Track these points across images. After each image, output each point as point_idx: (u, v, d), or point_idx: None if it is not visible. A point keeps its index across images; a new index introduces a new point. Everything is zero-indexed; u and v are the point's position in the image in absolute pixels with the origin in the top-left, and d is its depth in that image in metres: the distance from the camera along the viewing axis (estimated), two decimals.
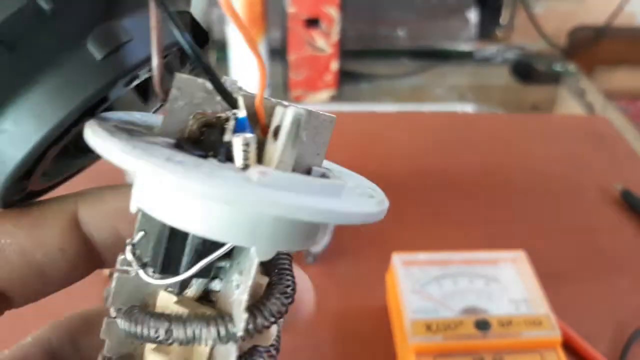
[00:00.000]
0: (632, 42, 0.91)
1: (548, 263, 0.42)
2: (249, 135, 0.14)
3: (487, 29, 0.89)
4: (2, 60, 0.14)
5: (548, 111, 0.81)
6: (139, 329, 0.15)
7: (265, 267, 0.16)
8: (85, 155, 0.19)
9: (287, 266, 0.16)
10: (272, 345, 0.16)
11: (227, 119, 0.15)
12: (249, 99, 0.15)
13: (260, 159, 0.15)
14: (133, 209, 0.16)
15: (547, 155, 0.62)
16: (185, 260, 0.16)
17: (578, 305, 0.42)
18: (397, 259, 0.40)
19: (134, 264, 0.16)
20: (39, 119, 0.15)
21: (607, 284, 0.45)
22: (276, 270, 0.16)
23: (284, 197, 0.13)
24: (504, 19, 0.90)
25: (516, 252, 0.41)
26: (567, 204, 0.54)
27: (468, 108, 0.78)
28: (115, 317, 0.16)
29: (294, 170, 0.15)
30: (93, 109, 0.15)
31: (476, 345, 0.35)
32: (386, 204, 0.16)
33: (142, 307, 0.16)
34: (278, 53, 0.78)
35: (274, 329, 0.16)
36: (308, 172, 0.16)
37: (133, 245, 0.16)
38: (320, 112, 0.16)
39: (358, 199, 0.16)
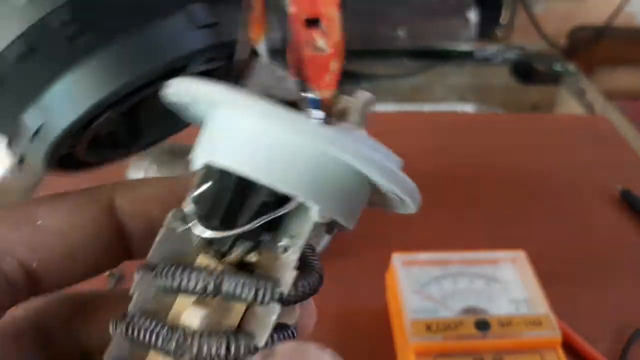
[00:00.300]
0: (632, 42, 0.91)
1: (548, 263, 0.42)
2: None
3: (487, 29, 0.89)
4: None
5: (548, 111, 0.81)
6: (183, 282, 0.16)
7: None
8: (122, 149, 0.21)
9: (316, 259, 0.17)
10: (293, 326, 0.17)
11: (294, 102, 0.16)
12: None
13: None
14: (198, 165, 0.16)
15: (547, 155, 0.62)
16: (245, 215, 0.16)
17: (578, 305, 0.42)
18: (397, 259, 0.40)
19: (192, 214, 0.16)
20: (122, 67, 0.16)
21: (607, 284, 0.45)
22: (306, 262, 0.17)
23: (372, 154, 0.15)
24: (504, 19, 0.90)
25: (516, 252, 0.41)
26: (567, 204, 0.54)
27: (468, 108, 0.78)
28: (153, 270, 0.16)
29: None
30: (169, 75, 0.17)
31: (476, 345, 0.35)
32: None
33: (183, 264, 0.16)
34: (278, 53, 0.78)
35: (297, 309, 0.16)
36: None
37: (195, 196, 0.16)
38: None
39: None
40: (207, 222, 0.16)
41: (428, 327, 0.35)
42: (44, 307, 0.19)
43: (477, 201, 0.54)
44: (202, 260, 0.17)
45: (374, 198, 0.18)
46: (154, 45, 0.16)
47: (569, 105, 0.79)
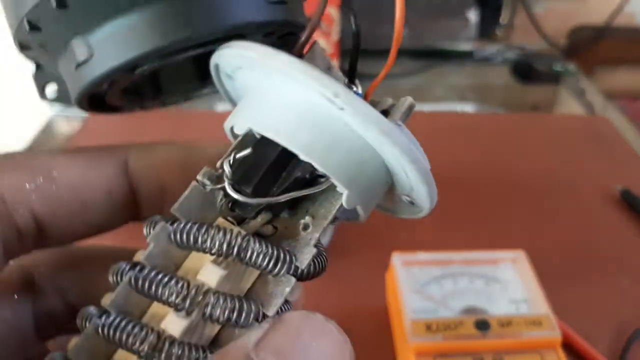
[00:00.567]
0: (632, 42, 0.91)
1: (548, 263, 0.42)
2: None
3: (487, 29, 0.89)
4: None
5: (548, 111, 0.81)
6: (207, 240, 0.16)
7: None
8: (142, 101, 0.21)
9: (321, 243, 0.17)
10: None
11: None
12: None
13: None
14: (241, 129, 0.17)
15: (547, 155, 0.62)
16: (278, 187, 0.16)
17: (578, 305, 0.42)
18: (397, 259, 0.40)
19: (225, 176, 0.16)
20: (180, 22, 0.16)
21: (607, 284, 0.45)
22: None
23: (419, 154, 0.16)
24: (504, 18, 0.90)
25: (516, 252, 0.41)
26: (567, 204, 0.54)
27: (468, 108, 0.77)
28: (173, 224, 0.16)
29: None
30: (225, 40, 0.16)
31: (476, 345, 0.35)
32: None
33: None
34: None
35: (300, 290, 0.17)
36: None
37: (234, 159, 0.17)
38: None
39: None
40: (239, 187, 0.16)
41: (428, 327, 0.35)
42: (32, 257, 0.19)
43: (477, 201, 0.54)
44: (221, 223, 0.17)
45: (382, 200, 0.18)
46: (221, 6, 0.16)
47: (569, 105, 0.79)
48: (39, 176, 0.17)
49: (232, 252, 0.16)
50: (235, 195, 0.16)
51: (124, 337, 0.15)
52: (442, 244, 0.44)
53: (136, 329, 0.15)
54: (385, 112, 0.17)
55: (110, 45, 0.16)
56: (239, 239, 0.16)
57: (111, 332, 0.15)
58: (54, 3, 0.16)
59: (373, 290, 0.43)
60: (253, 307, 0.16)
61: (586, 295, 0.43)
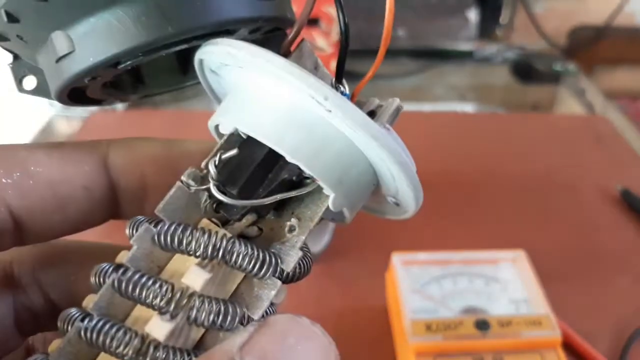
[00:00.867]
0: (632, 42, 0.91)
1: (548, 263, 0.42)
2: None
3: (487, 29, 0.89)
4: None
5: (548, 111, 0.81)
6: (191, 243, 0.15)
7: None
8: (123, 92, 0.20)
9: (306, 245, 0.17)
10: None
11: None
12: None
13: None
14: (227, 129, 0.16)
15: (547, 155, 0.62)
16: (264, 189, 0.16)
17: (578, 305, 0.42)
18: (397, 259, 0.40)
19: (210, 177, 0.16)
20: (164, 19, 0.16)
21: (607, 284, 0.45)
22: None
23: (405, 157, 0.16)
24: (504, 18, 0.90)
25: (516, 252, 0.41)
26: (567, 203, 0.54)
27: (468, 108, 0.77)
28: (157, 225, 0.16)
29: None
30: (211, 36, 0.16)
31: (476, 345, 0.35)
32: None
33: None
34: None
35: (285, 293, 0.17)
36: None
37: (219, 159, 0.16)
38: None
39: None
40: (224, 188, 0.16)
41: (428, 327, 0.35)
42: (13, 252, 0.19)
43: (477, 201, 0.54)
44: (205, 225, 0.17)
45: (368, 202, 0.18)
46: (206, 1, 0.16)
47: (569, 105, 0.79)
48: (15, 171, 0.17)
49: (217, 254, 0.15)
50: (220, 197, 0.16)
51: (108, 340, 0.15)
52: (442, 244, 0.44)
53: (120, 333, 0.15)
54: (372, 113, 0.17)
55: (92, 40, 0.16)
56: (224, 242, 0.15)
57: (94, 335, 0.15)
58: None
59: (373, 290, 0.43)
60: (238, 311, 0.15)
61: (586, 295, 0.43)
